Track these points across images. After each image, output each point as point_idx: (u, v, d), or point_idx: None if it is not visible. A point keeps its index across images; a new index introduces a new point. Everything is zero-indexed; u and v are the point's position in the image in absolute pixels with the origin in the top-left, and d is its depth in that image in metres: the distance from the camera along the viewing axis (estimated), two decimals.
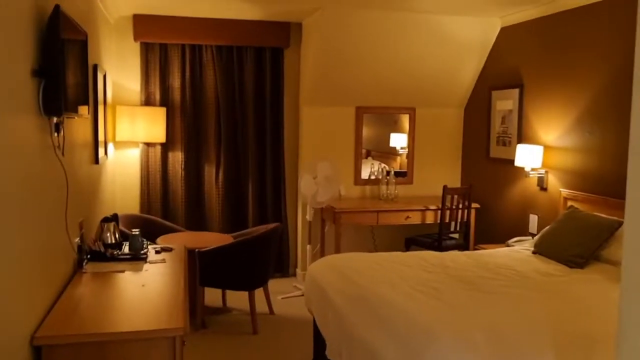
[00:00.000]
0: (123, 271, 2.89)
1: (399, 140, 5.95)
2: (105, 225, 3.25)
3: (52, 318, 2.20)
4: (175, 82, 5.31)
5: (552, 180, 4.53)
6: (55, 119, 2.42)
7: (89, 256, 3.02)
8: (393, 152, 6.02)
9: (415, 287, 2.94)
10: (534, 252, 3.82)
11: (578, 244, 3.53)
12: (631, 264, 1.19)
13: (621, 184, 3.74)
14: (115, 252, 3.11)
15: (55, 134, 2.45)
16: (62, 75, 2.26)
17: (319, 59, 5.17)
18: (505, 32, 5.17)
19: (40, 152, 2.25)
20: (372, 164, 5.85)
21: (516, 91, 4.93)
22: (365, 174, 5.77)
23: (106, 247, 3.12)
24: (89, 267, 2.91)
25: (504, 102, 5.12)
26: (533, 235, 4.55)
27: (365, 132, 5.76)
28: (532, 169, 4.59)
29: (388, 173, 5.68)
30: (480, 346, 2.21)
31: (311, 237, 5.37)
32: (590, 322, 2.50)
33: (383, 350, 2.41)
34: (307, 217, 5.28)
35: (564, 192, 4.34)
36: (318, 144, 5.58)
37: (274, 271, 5.56)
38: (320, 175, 5.04)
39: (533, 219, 4.74)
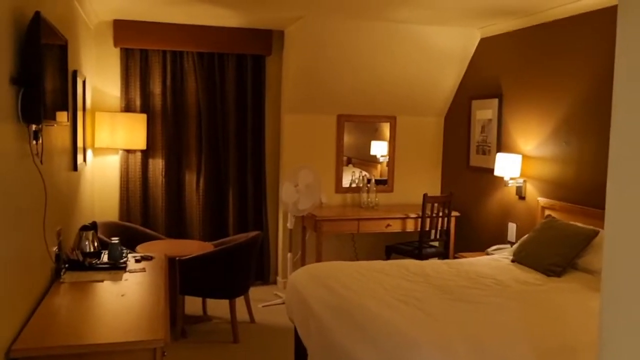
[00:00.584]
0: (102, 281, 2.86)
1: (380, 149, 5.99)
2: (84, 234, 3.20)
3: (29, 330, 2.16)
4: (156, 88, 5.27)
5: (531, 189, 4.60)
6: (34, 127, 2.39)
7: (67, 265, 2.97)
8: (374, 160, 6.05)
9: (396, 296, 2.95)
10: (512, 261, 3.87)
11: (556, 253, 3.58)
12: (611, 274, 1.21)
13: (598, 193, 3.80)
14: (94, 261, 3.07)
15: (34, 142, 2.41)
16: (42, 83, 2.23)
17: (301, 67, 5.18)
18: (485, 42, 5.24)
19: (18, 160, 2.22)
20: (353, 171, 5.87)
21: (495, 101, 5.00)
22: (346, 182, 5.79)
23: (85, 256, 3.08)
24: (67, 277, 2.87)
25: (484, 112, 5.18)
26: (512, 243, 4.60)
27: (347, 140, 5.78)
28: (511, 178, 4.65)
29: (369, 181, 5.71)
30: (461, 356, 2.23)
31: (292, 245, 5.36)
32: (569, 331, 2.54)
33: (365, 359, 2.42)
34: (288, 225, 5.28)
35: (542, 201, 4.40)
36: (299, 152, 5.58)
37: (254, 279, 5.54)
38: (301, 183, 5.04)
39: (512, 228, 4.80)
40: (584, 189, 4.04)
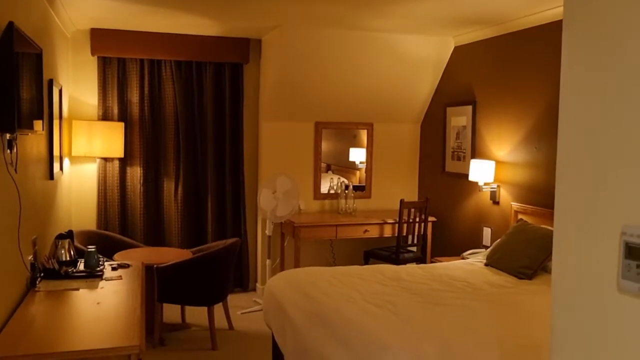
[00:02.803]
0: (78, 289, 2.87)
1: (358, 155, 6.06)
2: (60, 242, 3.20)
3: (2, 338, 2.17)
4: (134, 97, 5.28)
5: (504, 194, 4.70)
6: (8, 136, 2.40)
7: (42, 274, 2.98)
8: (352, 167, 6.12)
9: (370, 300, 3.01)
10: (486, 264, 3.95)
11: (526, 255, 3.67)
12: (559, 277, 1.28)
13: None
14: (70, 270, 3.08)
15: (8, 151, 2.43)
16: (15, 92, 2.25)
17: (278, 74, 5.24)
18: (458, 50, 5.35)
19: None
20: (332, 178, 5.93)
21: (469, 108, 5.10)
22: (324, 189, 5.84)
23: (60, 265, 3.08)
24: (42, 286, 2.87)
25: (458, 118, 5.28)
26: (487, 247, 4.69)
27: (326, 146, 5.84)
28: (485, 184, 4.75)
29: (347, 187, 5.77)
30: (429, 357, 2.29)
31: (271, 251, 5.39)
32: (538, 331, 2.61)
33: None
34: (267, 231, 5.31)
35: (515, 205, 4.50)
36: (277, 159, 5.62)
37: (234, 286, 5.56)
38: (279, 190, 5.09)
39: (487, 232, 4.89)
40: (554, 193, 4.13)
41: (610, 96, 1.14)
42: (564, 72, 1.26)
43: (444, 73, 5.56)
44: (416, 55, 5.36)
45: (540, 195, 4.27)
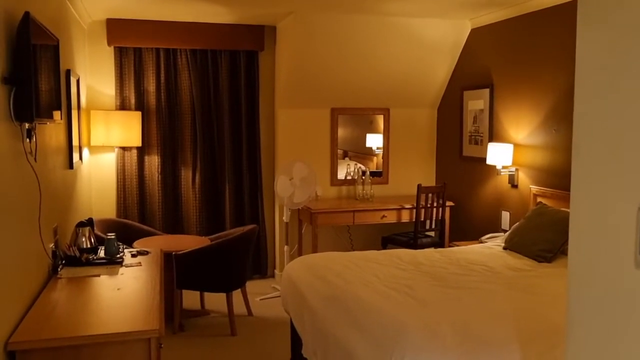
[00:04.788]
0: (98, 275, 2.91)
1: (375, 141, 6.03)
2: (80, 230, 3.25)
3: (26, 323, 2.22)
4: (150, 86, 5.32)
5: (523, 178, 4.64)
6: (27, 125, 2.43)
7: (64, 261, 3.03)
8: (369, 153, 6.10)
9: (387, 285, 3.01)
10: (504, 248, 3.92)
11: (546, 239, 3.63)
12: (576, 259, 1.26)
13: None
14: (90, 257, 3.13)
15: (27, 140, 2.46)
16: (33, 82, 2.28)
17: (294, 61, 5.22)
18: (475, 33, 5.27)
19: (11, 158, 2.26)
20: (349, 164, 5.92)
21: (487, 91, 5.04)
22: (341, 175, 5.84)
23: (81, 252, 3.13)
24: (64, 273, 2.92)
25: (476, 102, 5.23)
26: (505, 231, 4.65)
27: (343, 133, 5.83)
28: (503, 167, 4.70)
29: (364, 173, 5.76)
30: (447, 339, 2.28)
31: (288, 238, 5.41)
32: (556, 314, 2.59)
33: (355, 347, 2.47)
34: (284, 218, 5.33)
35: (534, 188, 4.45)
36: (294, 146, 5.62)
37: (252, 273, 5.60)
38: (296, 177, 5.09)
39: (505, 216, 4.85)
40: None
41: (625, 72, 1.11)
42: (579, 47, 1.24)
43: (460, 56, 5.50)
44: (432, 39, 5.30)
45: (560, 177, 4.21)
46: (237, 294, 4.49)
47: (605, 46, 1.16)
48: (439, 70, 5.60)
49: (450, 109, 5.73)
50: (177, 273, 4.20)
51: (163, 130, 5.38)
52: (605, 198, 1.17)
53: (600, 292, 1.18)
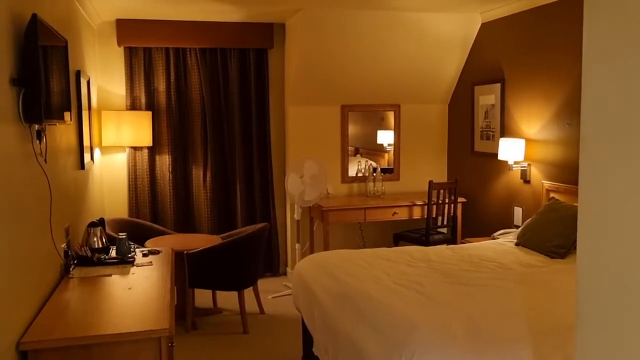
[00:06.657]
0: (110, 275, 2.92)
1: (386, 137, 6.01)
2: (92, 230, 3.27)
3: (38, 323, 2.23)
4: (160, 85, 5.33)
5: (535, 173, 4.60)
6: (36, 127, 2.45)
7: (75, 261, 3.05)
8: (381, 149, 6.07)
9: (398, 281, 2.99)
10: (516, 244, 3.88)
11: (558, 234, 3.59)
12: (585, 255, 1.24)
13: None
14: (102, 257, 3.14)
15: (37, 141, 2.48)
16: (42, 83, 2.29)
17: (303, 58, 5.21)
18: (485, 27, 5.22)
19: (21, 159, 2.28)
20: (359, 161, 5.90)
21: (498, 86, 4.99)
22: (352, 172, 5.82)
23: (93, 252, 3.15)
24: (75, 272, 2.94)
25: (487, 97, 5.18)
26: (518, 227, 4.60)
27: (353, 129, 5.81)
28: (515, 162, 4.65)
29: (375, 170, 5.73)
30: (458, 336, 2.26)
31: (300, 235, 5.41)
32: (569, 311, 2.55)
33: (366, 344, 2.46)
34: (295, 216, 5.33)
35: (546, 184, 4.41)
36: (304, 143, 5.61)
37: (264, 271, 5.61)
38: (306, 175, 5.08)
39: (517, 212, 4.80)
40: None
41: (632, 60, 1.09)
42: (586, 36, 1.22)
43: (471, 51, 5.45)
44: (443, 34, 5.26)
45: (573, 172, 4.16)
46: (249, 292, 4.49)
47: (613, 34, 1.14)
48: (450, 65, 5.55)
49: (461, 104, 5.69)
50: (189, 272, 4.21)
51: (173, 130, 5.40)
52: (614, 193, 1.14)
53: (609, 288, 1.16)
